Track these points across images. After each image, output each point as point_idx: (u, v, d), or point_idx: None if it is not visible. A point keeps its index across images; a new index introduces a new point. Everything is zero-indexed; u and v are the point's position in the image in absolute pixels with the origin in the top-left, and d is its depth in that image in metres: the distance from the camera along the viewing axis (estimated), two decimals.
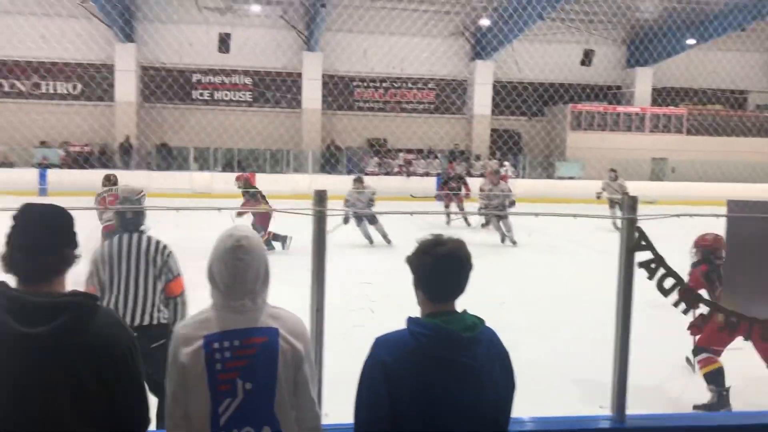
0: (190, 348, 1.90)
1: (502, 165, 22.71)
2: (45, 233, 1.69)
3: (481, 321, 2.01)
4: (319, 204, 2.38)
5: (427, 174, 22.57)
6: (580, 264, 10.26)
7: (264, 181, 20.50)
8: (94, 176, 19.42)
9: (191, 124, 23.69)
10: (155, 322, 3.68)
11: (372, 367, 1.96)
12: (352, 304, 6.77)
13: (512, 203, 12.87)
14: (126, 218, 3.84)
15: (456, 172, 16.87)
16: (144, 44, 23.32)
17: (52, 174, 19.98)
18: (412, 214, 3.19)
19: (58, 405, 1.59)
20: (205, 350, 1.90)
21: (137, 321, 3.64)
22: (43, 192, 19.49)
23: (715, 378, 4.68)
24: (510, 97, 25.11)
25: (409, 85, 25.60)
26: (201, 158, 23.07)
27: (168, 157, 22.69)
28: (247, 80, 24.64)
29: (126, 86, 23.31)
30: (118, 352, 1.70)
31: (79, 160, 21.49)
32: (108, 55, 23.13)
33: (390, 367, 1.91)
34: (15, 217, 1.71)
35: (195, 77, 24.27)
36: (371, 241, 11.75)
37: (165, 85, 23.80)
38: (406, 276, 2.07)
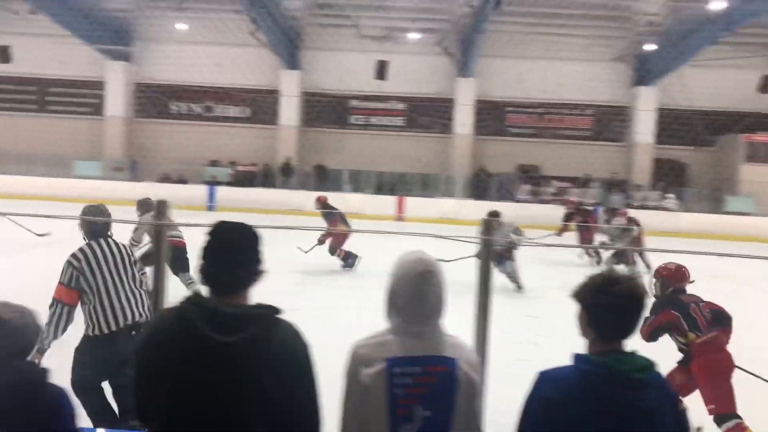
0: (371, 369, 1.91)
1: (664, 197, 21.45)
2: (236, 250, 1.82)
3: (653, 363, 1.89)
4: (487, 232, 2.31)
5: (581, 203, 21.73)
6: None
7: (412, 205, 20.87)
8: (258, 195, 20.87)
9: (347, 147, 24.60)
10: (146, 317, 3.79)
11: (534, 402, 1.90)
12: (516, 337, 6.60)
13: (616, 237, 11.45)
14: (96, 226, 3.95)
15: (576, 205, 15.73)
16: (307, 71, 24.63)
17: (220, 191, 21.50)
18: (568, 248, 3.05)
19: (245, 409, 1.70)
20: (387, 373, 1.91)
21: (136, 318, 3.76)
22: (211, 208, 21.00)
23: None
24: (676, 125, 23.74)
25: (565, 110, 24.88)
26: (354, 180, 23.81)
27: (324, 179, 23.65)
28: (401, 106, 25.19)
29: (289, 110, 24.63)
30: (298, 361, 1.80)
31: (245, 179, 23.02)
32: (274, 81, 24.64)
33: (553, 403, 1.84)
34: (210, 233, 1.85)
35: (352, 103, 25.20)
36: (518, 286, 9.89)
37: (324, 110, 25.00)
38: (569, 310, 1.97)
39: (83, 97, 25.60)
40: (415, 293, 1.96)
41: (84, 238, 3.96)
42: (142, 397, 1.82)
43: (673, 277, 4.77)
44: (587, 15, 22.04)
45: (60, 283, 3.75)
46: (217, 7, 22.49)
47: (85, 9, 22.08)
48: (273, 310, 1.80)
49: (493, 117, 24.84)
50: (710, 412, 4.32)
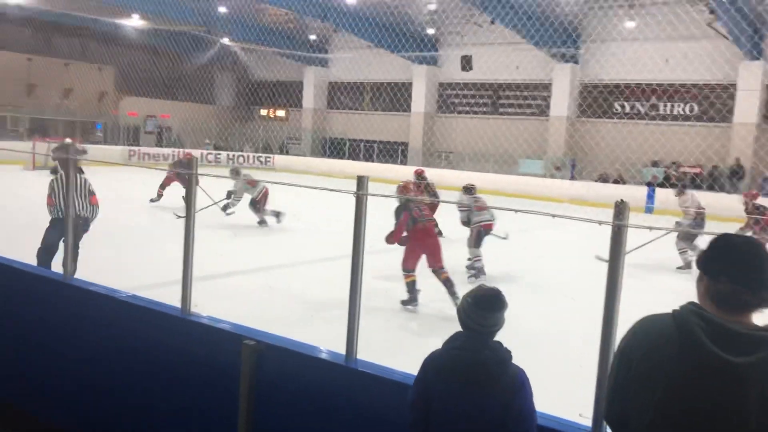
0: None
1: None
2: (758, 268, 1.70)
3: None
4: None
5: None
6: None
7: None
8: (703, 199, 19.01)
9: None
10: (87, 214, 7.07)
11: None
12: None
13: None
14: (62, 163, 6.59)
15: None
16: None
17: (660, 192, 20.38)
18: None
19: None
20: None
21: (80, 213, 6.86)
22: (649, 210, 20.15)
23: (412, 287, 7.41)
24: None
25: None
26: None
27: None
28: None
29: (747, 105, 22.13)
30: None
31: (688, 182, 21.44)
32: (730, 74, 22.32)
33: None
34: (721, 249, 1.76)
35: None
36: None
37: None
38: None
39: (531, 99, 27.21)
40: None
41: (58, 170, 7.63)
42: (621, 399, 1.78)
43: (403, 192, 7.80)
44: None
45: (48, 196, 7.01)
46: (671, 0, 21.36)
47: (538, 14, 23.34)
48: None
49: None
50: (402, 266, 7.38)
